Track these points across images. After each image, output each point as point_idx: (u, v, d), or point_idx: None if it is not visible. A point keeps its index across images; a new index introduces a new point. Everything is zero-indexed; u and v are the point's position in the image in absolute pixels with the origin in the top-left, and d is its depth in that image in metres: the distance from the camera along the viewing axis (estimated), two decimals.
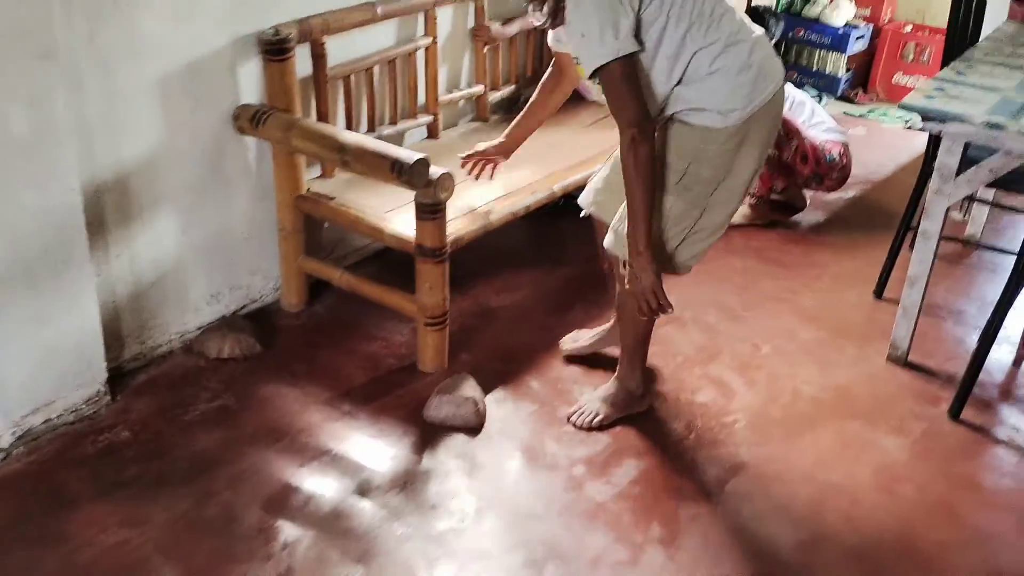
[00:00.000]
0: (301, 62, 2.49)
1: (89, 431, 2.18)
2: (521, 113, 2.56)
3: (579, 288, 2.85)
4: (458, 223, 2.44)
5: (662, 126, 2.02)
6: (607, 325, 2.51)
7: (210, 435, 2.19)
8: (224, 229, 2.52)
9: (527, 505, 2.05)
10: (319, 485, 2.07)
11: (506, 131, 2.58)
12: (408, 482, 2.09)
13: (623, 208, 2.04)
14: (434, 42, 2.87)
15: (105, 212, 2.21)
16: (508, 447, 2.21)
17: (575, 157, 2.89)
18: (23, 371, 2.08)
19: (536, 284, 2.90)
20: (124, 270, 2.30)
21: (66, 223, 2.05)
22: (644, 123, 1.90)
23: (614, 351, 2.42)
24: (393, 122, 2.85)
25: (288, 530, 1.94)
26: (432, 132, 3.01)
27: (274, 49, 2.35)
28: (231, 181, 2.49)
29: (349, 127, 2.69)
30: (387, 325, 2.61)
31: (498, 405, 2.35)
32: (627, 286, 2.07)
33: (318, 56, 2.51)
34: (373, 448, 2.19)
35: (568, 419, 2.29)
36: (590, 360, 2.51)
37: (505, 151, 2.57)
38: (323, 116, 2.58)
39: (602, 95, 1.94)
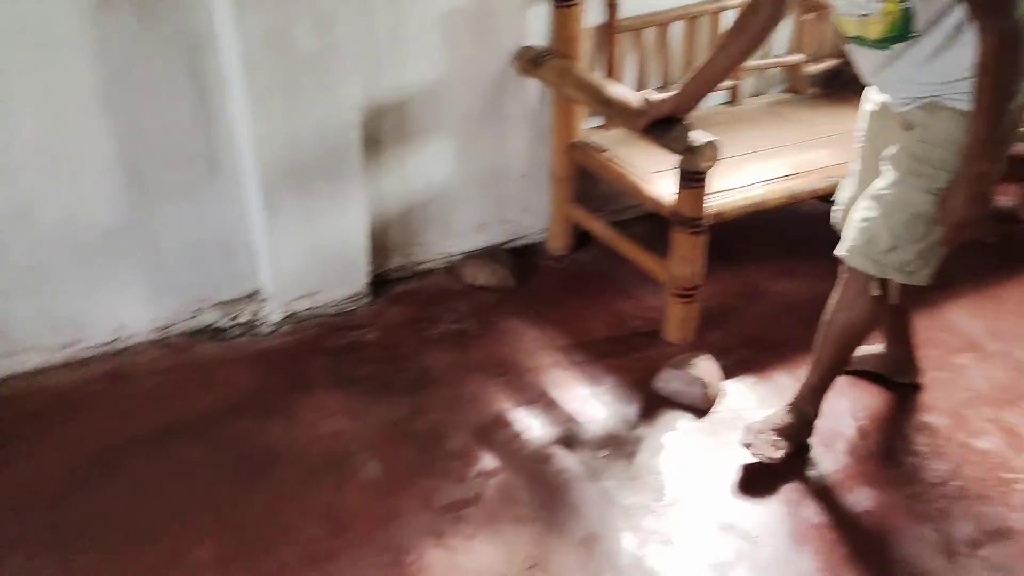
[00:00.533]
0: (593, 11, 2.46)
1: (342, 325, 2.37)
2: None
3: None
4: (726, 196, 2.29)
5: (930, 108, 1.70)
6: (878, 347, 2.21)
7: (443, 354, 2.29)
8: (499, 164, 2.58)
9: (730, 505, 1.91)
10: (529, 426, 2.08)
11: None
12: (616, 446, 2.04)
13: (871, 216, 1.79)
14: None
15: (383, 132, 2.35)
16: (728, 439, 2.06)
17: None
18: (296, 261, 2.30)
19: (815, 276, 2.64)
20: (397, 188, 2.44)
21: (343, 137, 2.21)
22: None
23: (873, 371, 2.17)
24: None
25: (486, 460, 1.98)
26: (733, 98, 2.84)
27: None
28: (510, 119, 2.54)
29: (640, 82, 2.62)
30: (644, 287, 2.53)
31: (734, 393, 2.20)
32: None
33: (611, 6, 2.45)
34: (592, 404, 2.16)
35: (746, 447, 2.00)
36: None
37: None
38: (611, 68, 2.53)
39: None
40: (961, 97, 1.65)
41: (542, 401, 2.16)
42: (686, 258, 2.22)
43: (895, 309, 2.00)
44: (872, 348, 2.20)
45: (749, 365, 2.29)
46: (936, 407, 2.16)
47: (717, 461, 2.01)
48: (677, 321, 2.33)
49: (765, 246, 2.74)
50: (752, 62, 2.78)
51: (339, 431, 2.04)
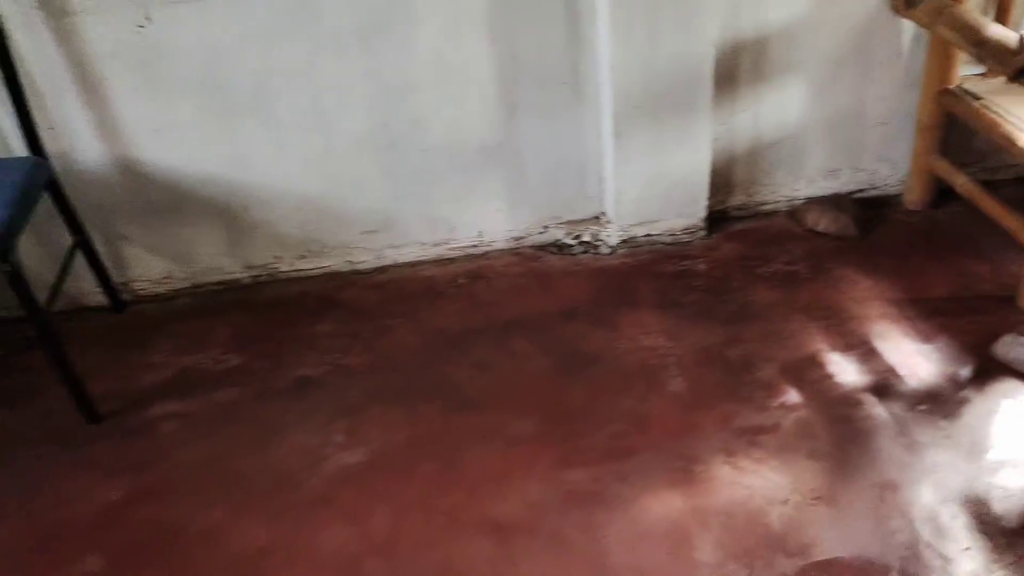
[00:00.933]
0: None
1: (675, 254, 2.49)
2: None
3: None
4: None
5: None
6: None
7: (769, 292, 2.31)
8: (858, 109, 2.49)
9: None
10: (843, 370, 2.05)
11: None
12: (935, 404, 1.94)
13: None
14: None
15: (739, 69, 2.38)
16: None
17: None
18: (638, 188, 2.44)
19: None
20: (747, 125, 2.47)
21: (697, 71, 2.28)
22: None
23: None
24: None
25: (791, 395, 1.99)
26: None
27: None
28: (875, 63, 2.43)
29: None
30: (1005, 252, 2.33)
31: None
32: None
33: None
34: (915, 359, 2.06)
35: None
36: None
37: None
38: (1004, 8, 2.31)
39: None
40: None
41: (862, 348, 2.11)
42: None
43: None
44: None
45: None
46: None
47: None
48: None
49: None
50: None
51: (655, 347, 2.17)
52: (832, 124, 2.52)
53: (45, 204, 2.18)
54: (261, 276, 2.51)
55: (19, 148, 2.16)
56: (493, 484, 1.85)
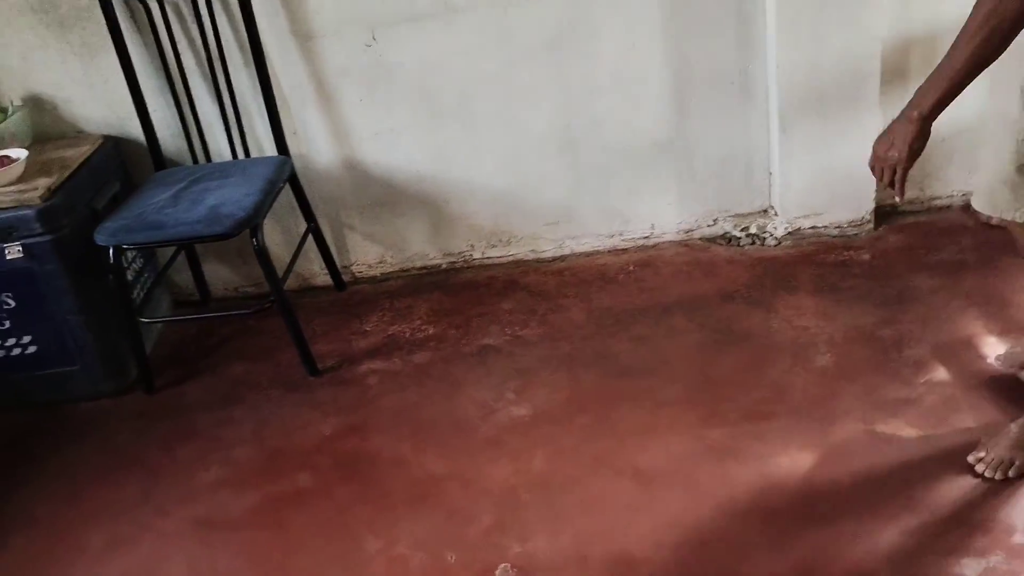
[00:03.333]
0: None
1: (839, 245, 2.58)
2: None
3: None
4: None
5: None
6: None
7: (932, 279, 2.36)
8: None
9: None
10: (995, 353, 2.08)
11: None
12: None
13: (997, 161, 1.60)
14: None
15: (909, 64, 2.46)
16: None
17: None
18: (805, 181, 2.57)
19: None
20: None
21: (864, 67, 2.39)
22: None
23: None
24: None
25: (940, 373, 2.05)
26: None
27: None
28: None
29: None
30: None
31: None
32: (874, 145, 1.62)
33: None
34: None
35: (973, 468, 1.79)
36: None
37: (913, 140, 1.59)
38: None
39: None
40: None
41: (1019, 334, 2.11)
42: None
43: None
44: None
45: None
46: None
47: None
48: None
49: None
50: None
51: (807, 327, 2.29)
52: (1012, 119, 2.50)
53: (284, 198, 2.66)
54: (457, 262, 2.87)
55: (269, 149, 2.66)
56: (639, 437, 2.06)
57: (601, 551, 1.80)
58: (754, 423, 2.02)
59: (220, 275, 2.89)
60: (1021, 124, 1.60)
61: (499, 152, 2.68)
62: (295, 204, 2.70)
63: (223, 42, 2.49)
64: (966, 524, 1.70)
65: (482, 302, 2.69)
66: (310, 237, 2.73)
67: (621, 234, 2.78)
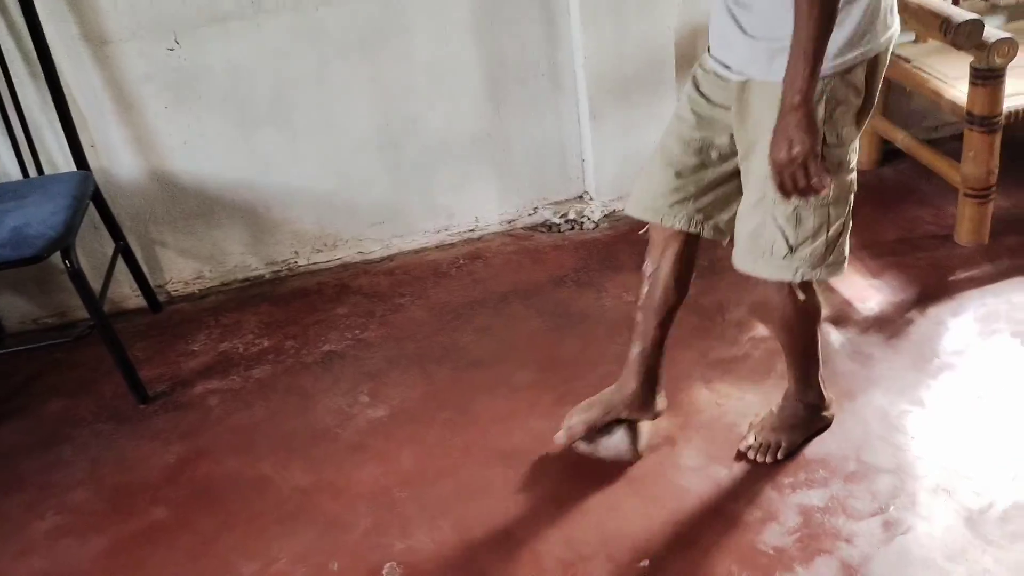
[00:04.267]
0: None
1: None
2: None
3: None
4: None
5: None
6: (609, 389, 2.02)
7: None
8: None
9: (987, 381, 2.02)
10: None
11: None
12: (882, 327, 2.23)
13: (744, 207, 1.67)
14: None
15: (697, 51, 2.67)
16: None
17: None
18: (615, 166, 2.74)
19: None
20: None
21: (660, 55, 2.59)
22: None
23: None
24: None
25: (759, 330, 2.26)
26: None
27: None
28: None
29: None
30: (945, 197, 2.62)
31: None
32: (773, 159, 1.52)
33: None
34: (867, 292, 2.35)
35: (745, 455, 1.95)
36: None
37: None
38: None
39: None
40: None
41: (820, 287, 2.37)
42: (978, 157, 2.30)
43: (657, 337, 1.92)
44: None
45: None
46: None
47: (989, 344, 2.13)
48: (967, 222, 2.40)
49: None
50: None
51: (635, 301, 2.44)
52: None
53: (84, 217, 2.46)
54: (281, 271, 2.78)
55: (64, 165, 2.45)
56: (501, 423, 2.12)
57: (483, 534, 1.85)
58: None
59: (15, 307, 2.62)
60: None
61: (319, 154, 2.63)
62: (98, 223, 2.51)
63: (4, 51, 2.26)
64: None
65: (316, 309, 2.63)
66: (119, 257, 2.56)
67: (447, 229, 2.82)
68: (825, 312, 2.27)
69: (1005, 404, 1.98)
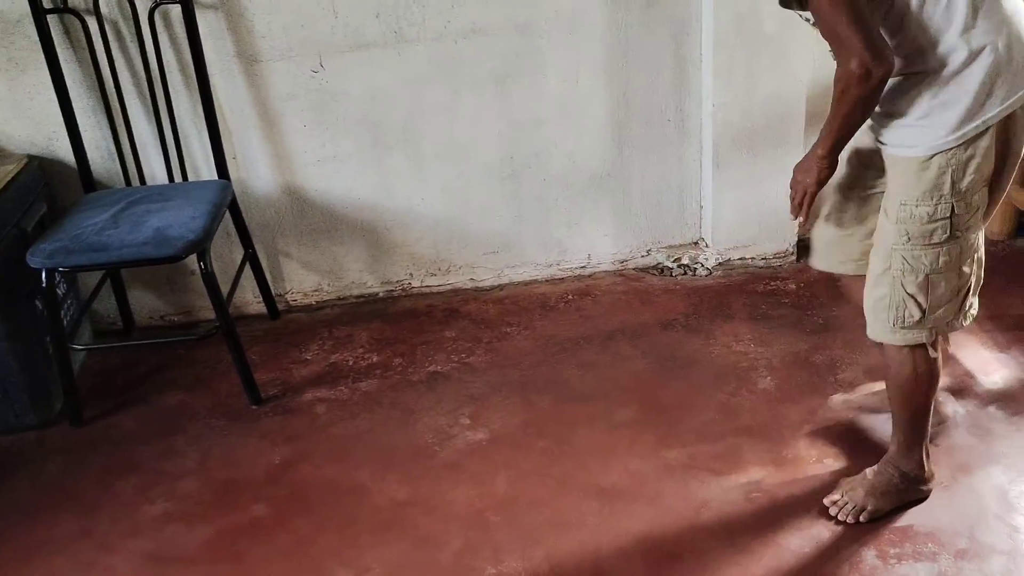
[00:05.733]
0: None
1: (767, 275, 2.74)
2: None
3: None
4: None
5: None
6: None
7: (853, 306, 2.51)
8: None
9: None
10: None
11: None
12: (1005, 402, 2.13)
13: (887, 291, 1.70)
14: None
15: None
16: None
17: None
18: (733, 216, 2.72)
19: None
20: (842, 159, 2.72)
21: (790, 109, 2.58)
22: (871, 62, 1.50)
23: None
24: None
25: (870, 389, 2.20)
26: None
27: None
28: None
29: None
30: None
31: None
32: (794, 168, 1.81)
33: None
34: (992, 365, 2.27)
35: (828, 510, 1.90)
36: None
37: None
38: None
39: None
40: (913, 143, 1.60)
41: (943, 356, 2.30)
42: None
43: None
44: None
45: None
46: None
47: None
48: None
49: None
50: None
51: (746, 352, 2.41)
52: None
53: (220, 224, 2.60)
54: (395, 291, 2.86)
55: (206, 173, 2.60)
56: (599, 458, 2.12)
57: (575, 568, 1.84)
58: (709, 443, 2.12)
59: (145, 303, 2.78)
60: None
61: (442, 181, 2.71)
62: (231, 230, 2.65)
63: (164, 63, 2.43)
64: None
65: (424, 330, 2.69)
66: (247, 264, 2.68)
67: (559, 264, 2.85)
68: (947, 382, 2.20)
69: None
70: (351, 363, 2.57)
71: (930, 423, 1.86)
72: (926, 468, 1.88)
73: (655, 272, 2.85)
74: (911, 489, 1.89)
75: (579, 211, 2.79)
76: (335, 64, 2.52)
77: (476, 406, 2.34)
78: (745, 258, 2.78)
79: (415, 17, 2.48)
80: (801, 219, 1.81)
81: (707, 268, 2.79)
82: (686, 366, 2.41)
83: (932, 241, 1.63)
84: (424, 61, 2.54)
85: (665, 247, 2.85)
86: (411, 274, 2.84)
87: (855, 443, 2.07)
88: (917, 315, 1.69)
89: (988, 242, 2.69)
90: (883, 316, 1.73)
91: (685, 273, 2.81)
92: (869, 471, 1.91)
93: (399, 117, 2.61)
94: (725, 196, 2.70)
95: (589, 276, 2.86)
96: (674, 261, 2.83)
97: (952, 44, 1.52)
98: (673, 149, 2.71)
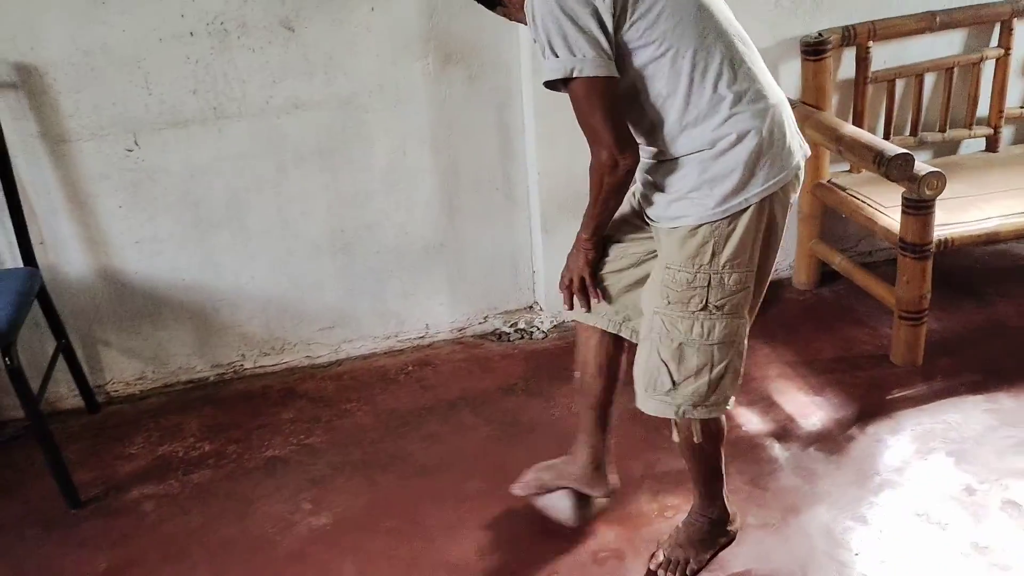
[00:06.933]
0: (846, 64, 2.74)
1: None
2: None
3: None
4: (957, 227, 2.45)
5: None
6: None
7: None
8: None
9: (937, 502, 2.07)
10: (748, 420, 2.38)
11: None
12: (824, 443, 2.27)
13: (646, 356, 1.75)
14: (1007, 54, 2.82)
15: None
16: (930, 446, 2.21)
17: None
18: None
19: None
20: None
21: None
22: (618, 153, 1.63)
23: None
24: (942, 130, 2.88)
25: None
26: (991, 146, 2.94)
27: (811, 50, 2.64)
28: None
29: (888, 129, 2.83)
30: (879, 317, 2.72)
31: (962, 415, 2.33)
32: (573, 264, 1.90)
33: (861, 59, 2.72)
34: (809, 408, 2.40)
35: (655, 574, 1.95)
36: None
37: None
38: (859, 115, 2.78)
39: None
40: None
41: (764, 403, 2.44)
42: (912, 281, 2.40)
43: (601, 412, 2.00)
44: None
45: (977, 388, 2.42)
46: None
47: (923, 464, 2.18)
48: (902, 343, 2.49)
49: (1019, 284, 2.85)
50: (1015, 110, 2.90)
51: None
52: None
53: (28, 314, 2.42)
54: (227, 374, 2.74)
55: (11, 261, 2.41)
56: (447, 533, 2.08)
57: None
58: None
59: None
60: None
61: (272, 258, 2.64)
62: (40, 320, 2.46)
63: None
64: None
65: (260, 413, 2.58)
66: (59, 356, 2.50)
67: (397, 335, 2.83)
68: (770, 427, 2.33)
69: (943, 522, 2.02)
70: (181, 454, 2.43)
71: (723, 468, 1.91)
72: (729, 511, 1.96)
73: (493, 338, 2.87)
74: (721, 533, 1.96)
75: (414, 281, 2.78)
76: (151, 142, 2.42)
77: (318, 489, 2.26)
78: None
79: (234, 93, 2.44)
80: (571, 305, 1.91)
81: (543, 331, 2.84)
82: (529, 431, 2.43)
83: (689, 309, 1.68)
84: (246, 137, 2.49)
85: (501, 313, 2.89)
86: (243, 355, 2.74)
87: (691, 491, 2.14)
88: (668, 384, 1.73)
89: (795, 292, 2.95)
90: (641, 381, 1.78)
91: (522, 337, 2.85)
92: (680, 525, 1.98)
93: (222, 194, 2.53)
94: (556, 260, 2.74)
95: (428, 346, 2.85)
96: (511, 326, 2.87)
97: (718, 130, 1.60)
98: (503, 216, 2.77)
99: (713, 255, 1.65)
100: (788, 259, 3.00)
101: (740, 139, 1.60)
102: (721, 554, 1.96)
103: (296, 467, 2.35)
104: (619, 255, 1.86)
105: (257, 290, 2.67)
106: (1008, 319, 2.73)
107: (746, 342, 1.77)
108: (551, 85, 1.64)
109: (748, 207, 1.63)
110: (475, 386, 2.64)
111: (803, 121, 2.63)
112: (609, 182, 1.67)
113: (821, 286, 2.96)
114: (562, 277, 1.92)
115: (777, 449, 2.27)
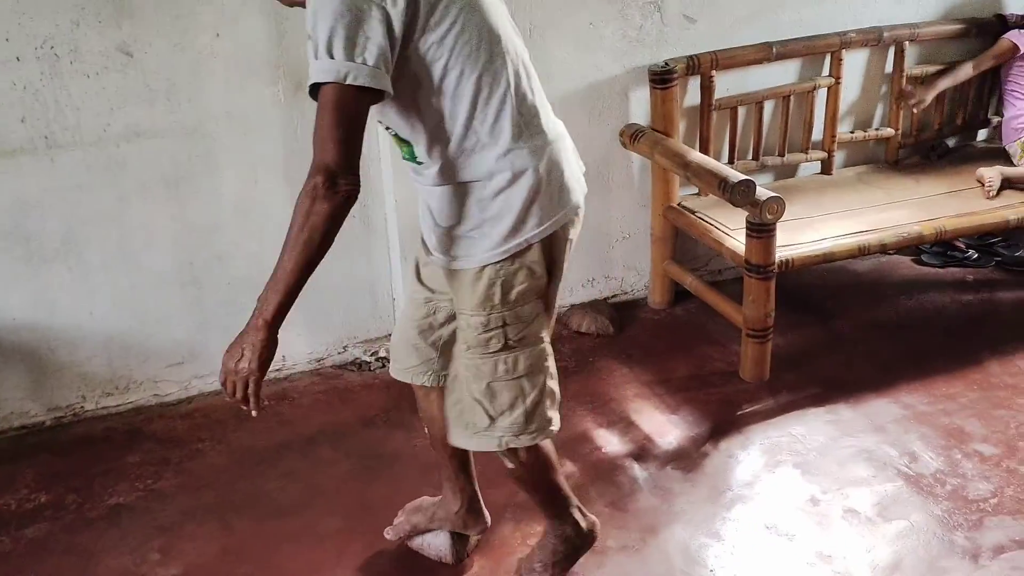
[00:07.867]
0: (692, 92, 2.85)
1: None
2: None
3: (944, 340, 2.79)
4: (797, 248, 2.58)
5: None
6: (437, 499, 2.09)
7: None
8: (604, 227, 2.98)
9: (785, 515, 2.15)
10: (607, 442, 2.41)
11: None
12: (680, 461, 2.33)
13: (457, 398, 1.73)
14: (837, 83, 2.99)
15: None
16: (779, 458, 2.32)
17: (970, 207, 2.79)
18: None
19: (900, 327, 2.88)
20: None
21: None
22: (342, 174, 1.45)
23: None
24: (781, 154, 3.03)
25: (567, 467, 2.29)
26: (826, 168, 3.12)
27: (659, 79, 2.73)
28: (615, 187, 2.95)
29: (732, 153, 2.96)
30: (729, 335, 2.81)
31: (806, 425, 2.45)
32: (223, 359, 1.62)
33: (705, 88, 2.83)
34: (665, 427, 2.46)
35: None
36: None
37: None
38: (705, 140, 2.89)
39: None
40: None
41: (622, 423, 2.49)
42: (757, 301, 2.51)
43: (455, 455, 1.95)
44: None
45: (819, 401, 2.54)
46: None
47: (773, 475, 2.27)
48: (750, 360, 2.60)
49: (855, 300, 3.02)
50: (845, 135, 3.09)
51: None
52: (585, 241, 2.96)
53: None
54: (65, 417, 2.57)
55: None
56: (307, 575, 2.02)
57: None
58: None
59: None
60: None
61: (113, 292, 2.50)
62: None
63: None
64: None
65: (103, 458, 2.43)
66: None
67: None
68: (629, 448, 2.38)
69: (790, 533, 2.10)
70: (13, 507, 2.26)
71: (563, 488, 1.89)
72: (582, 521, 1.92)
73: (353, 368, 2.81)
74: (579, 544, 1.94)
75: None
76: None
77: (167, 538, 2.14)
78: None
79: (68, 121, 2.30)
80: (253, 412, 1.58)
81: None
82: (390, 464, 2.38)
83: (489, 350, 1.64)
84: (82, 167, 2.35)
85: (361, 341, 2.83)
86: (84, 396, 2.57)
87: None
88: (485, 422, 1.69)
89: (651, 311, 3.02)
90: (458, 422, 1.75)
91: (383, 366, 2.80)
92: (536, 548, 1.95)
93: (57, 228, 2.38)
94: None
95: (285, 378, 2.76)
96: (371, 355, 2.82)
97: (497, 163, 1.55)
98: (361, 244, 2.71)
99: (504, 294, 1.61)
100: (644, 279, 3.08)
101: (516, 178, 1.56)
102: None
103: (143, 514, 2.22)
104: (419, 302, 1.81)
105: (97, 327, 2.52)
106: (845, 334, 2.89)
107: (552, 360, 1.74)
108: (314, 89, 1.44)
109: (530, 246, 1.60)
110: (334, 419, 2.58)
111: (652, 148, 2.72)
112: (320, 210, 1.44)
113: (675, 305, 3.06)
114: (223, 378, 1.58)
115: (636, 469, 2.31)
